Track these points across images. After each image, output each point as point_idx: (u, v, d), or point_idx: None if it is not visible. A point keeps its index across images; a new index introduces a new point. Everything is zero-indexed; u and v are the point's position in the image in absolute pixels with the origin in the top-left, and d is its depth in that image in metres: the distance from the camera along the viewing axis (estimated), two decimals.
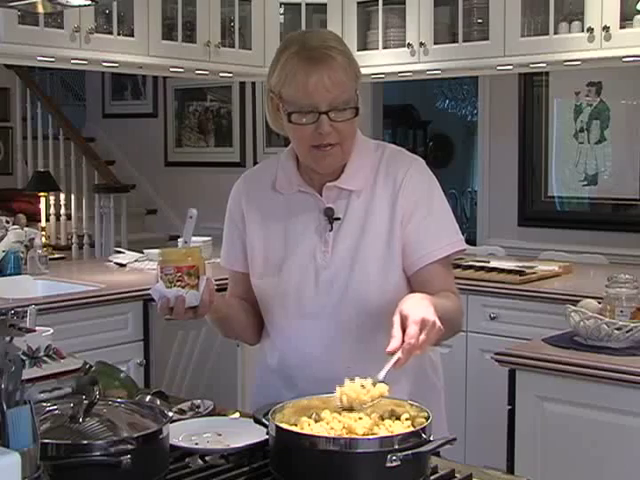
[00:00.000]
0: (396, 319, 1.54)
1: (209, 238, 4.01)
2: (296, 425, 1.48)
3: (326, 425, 1.46)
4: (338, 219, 1.84)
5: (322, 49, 1.74)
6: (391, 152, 1.90)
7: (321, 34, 1.84)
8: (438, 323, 1.56)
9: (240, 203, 1.94)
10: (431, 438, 1.42)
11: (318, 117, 1.73)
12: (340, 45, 1.79)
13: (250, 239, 1.91)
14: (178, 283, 1.70)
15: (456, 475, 1.48)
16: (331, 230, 1.84)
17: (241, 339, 2.05)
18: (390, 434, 1.41)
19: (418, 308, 1.56)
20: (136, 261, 4.11)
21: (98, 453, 1.33)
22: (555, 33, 3.73)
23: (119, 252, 4.33)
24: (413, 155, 1.92)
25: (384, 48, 4.22)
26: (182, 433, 1.58)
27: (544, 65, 4.02)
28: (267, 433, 1.48)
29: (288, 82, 1.75)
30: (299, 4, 4.35)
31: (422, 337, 1.52)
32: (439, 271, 1.83)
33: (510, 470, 2.50)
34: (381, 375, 1.51)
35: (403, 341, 1.51)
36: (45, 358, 1.94)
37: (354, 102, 1.76)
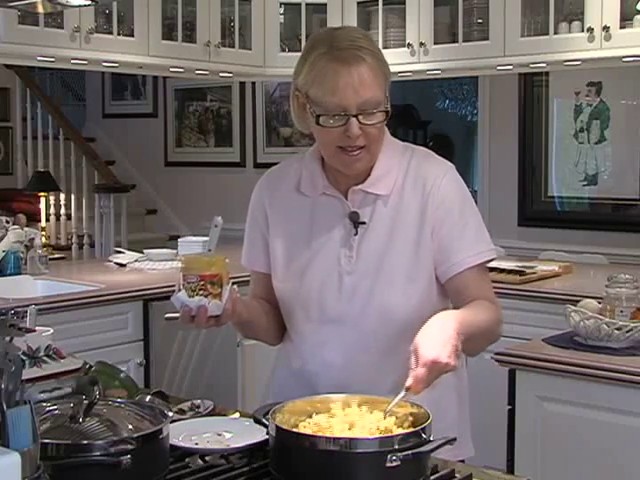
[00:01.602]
0: (413, 353, 1.53)
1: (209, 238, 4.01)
2: (297, 425, 1.48)
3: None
4: (363, 223, 1.80)
5: (352, 49, 1.69)
6: (420, 156, 1.85)
7: (350, 33, 1.78)
8: (452, 363, 1.53)
9: (263, 203, 1.90)
10: (431, 438, 1.42)
11: (347, 120, 1.69)
12: (370, 45, 1.74)
13: (273, 241, 1.88)
14: (201, 292, 1.66)
15: (456, 475, 1.48)
16: (356, 234, 1.80)
17: (261, 340, 2.00)
18: (390, 434, 1.41)
19: (432, 345, 1.54)
20: (136, 261, 4.11)
21: (98, 453, 1.33)
22: (555, 33, 3.73)
23: (119, 252, 4.33)
24: (443, 160, 1.87)
25: (384, 48, 4.20)
26: (182, 433, 1.57)
27: (544, 65, 4.02)
28: (267, 433, 1.48)
29: (317, 83, 1.71)
30: (299, 4, 4.35)
31: (434, 355, 1.51)
32: (474, 278, 1.79)
33: (510, 470, 2.50)
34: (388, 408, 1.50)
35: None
36: (45, 358, 1.94)
37: (384, 105, 1.72)
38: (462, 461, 1.68)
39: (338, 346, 1.80)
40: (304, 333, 1.86)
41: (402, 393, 1.51)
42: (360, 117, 1.69)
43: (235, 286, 1.73)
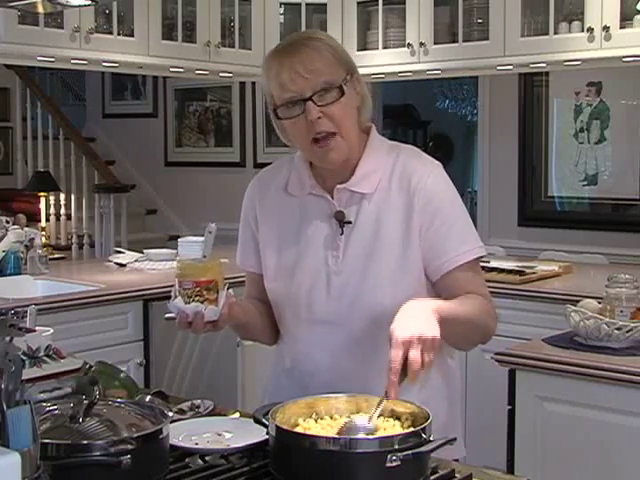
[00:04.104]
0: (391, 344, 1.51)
1: None
2: (297, 425, 1.48)
3: (326, 426, 1.47)
4: (349, 223, 1.79)
5: (296, 43, 1.74)
6: (407, 155, 1.84)
7: (304, 32, 1.84)
8: (429, 335, 1.51)
9: (254, 204, 1.91)
10: (431, 438, 1.42)
11: (304, 105, 1.71)
12: (321, 37, 1.77)
13: (263, 241, 1.89)
14: (197, 298, 1.67)
15: (456, 475, 1.48)
16: (342, 234, 1.80)
17: (258, 341, 2.01)
18: (390, 434, 1.41)
19: (404, 326, 1.52)
20: (136, 261, 4.11)
21: (98, 453, 1.32)
22: (555, 33, 3.73)
23: (119, 252, 4.33)
24: (430, 158, 1.86)
25: (384, 48, 4.22)
26: (182, 433, 1.57)
27: (544, 65, 4.02)
28: (267, 433, 1.48)
29: (267, 81, 1.75)
30: (299, 4, 4.35)
31: (412, 355, 1.49)
32: (465, 275, 1.78)
33: (510, 470, 2.50)
34: (374, 417, 1.48)
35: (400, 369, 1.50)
36: (45, 358, 1.94)
37: (338, 83, 1.72)
38: (457, 460, 1.68)
39: (328, 346, 1.81)
40: (295, 333, 1.87)
41: (382, 400, 1.49)
42: (315, 98, 1.70)
43: (231, 290, 1.73)
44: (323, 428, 1.47)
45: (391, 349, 1.50)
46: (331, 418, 1.52)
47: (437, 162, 1.86)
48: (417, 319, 1.54)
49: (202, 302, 1.67)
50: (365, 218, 1.79)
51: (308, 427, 1.48)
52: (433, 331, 1.53)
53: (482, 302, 1.78)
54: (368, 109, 1.82)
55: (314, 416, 1.53)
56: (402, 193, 1.79)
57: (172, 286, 1.73)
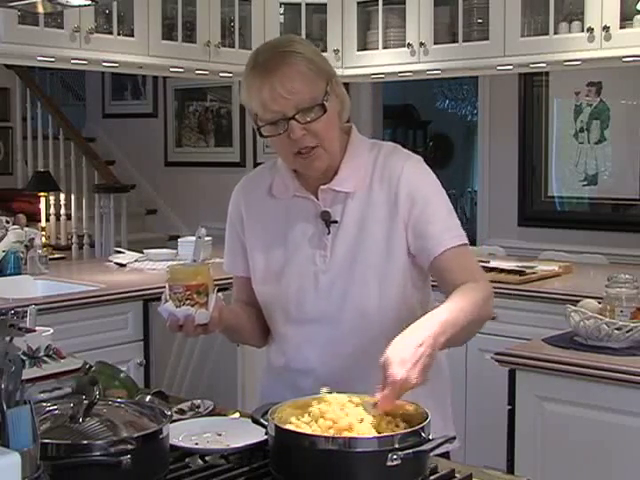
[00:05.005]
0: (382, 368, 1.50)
1: (209, 238, 4.01)
2: (294, 424, 1.48)
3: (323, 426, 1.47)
4: (335, 222, 1.81)
5: (274, 58, 1.72)
6: (386, 151, 1.86)
7: (277, 41, 1.82)
8: (420, 381, 1.49)
9: (239, 208, 1.93)
10: (430, 437, 1.42)
11: (287, 124, 1.71)
12: (296, 46, 1.75)
13: (250, 245, 1.91)
14: (187, 302, 1.68)
15: (456, 475, 1.48)
16: (329, 234, 1.81)
17: (248, 344, 2.04)
18: (390, 433, 1.41)
19: (401, 364, 1.49)
20: (136, 261, 4.11)
21: (98, 453, 1.33)
22: (555, 33, 3.74)
23: (119, 252, 4.33)
24: (409, 152, 1.88)
25: (384, 48, 4.21)
26: (182, 433, 1.57)
27: (544, 65, 4.02)
28: (266, 433, 1.47)
29: (249, 99, 1.75)
30: (299, 4, 4.36)
31: (401, 375, 1.47)
32: (454, 258, 1.76)
33: (510, 470, 2.50)
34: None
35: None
36: (45, 358, 1.94)
37: (320, 100, 1.72)
38: (447, 452, 1.67)
39: (318, 345, 1.82)
40: (285, 333, 1.88)
41: (370, 409, 1.48)
42: (298, 117, 1.71)
43: (220, 294, 1.74)
44: (320, 427, 1.46)
45: (385, 385, 1.48)
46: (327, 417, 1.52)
47: (418, 156, 1.88)
48: (411, 353, 1.51)
49: (192, 306, 1.69)
50: (350, 217, 1.81)
51: (306, 427, 1.48)
52: (416, 379, 1.50)
53: (476, 291, 1.73)
54: (347, 110, 1.83)
55: (312, 416, 1.52)
56: (384, 189, 1.81)
57: None
